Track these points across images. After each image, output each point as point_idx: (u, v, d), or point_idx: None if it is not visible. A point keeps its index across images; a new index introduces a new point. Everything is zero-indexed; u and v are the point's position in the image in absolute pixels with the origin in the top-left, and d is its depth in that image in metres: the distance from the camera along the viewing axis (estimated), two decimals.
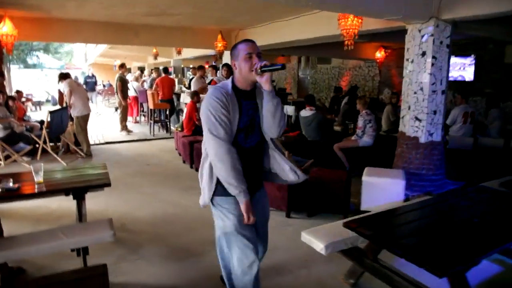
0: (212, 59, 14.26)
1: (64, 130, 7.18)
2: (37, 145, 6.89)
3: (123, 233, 3.85)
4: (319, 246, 2.54)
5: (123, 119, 9.57)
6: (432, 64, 4.14)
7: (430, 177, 4.42)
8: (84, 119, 7.07)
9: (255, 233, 2.22)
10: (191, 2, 6.04)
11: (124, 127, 9.60)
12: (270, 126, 2.07)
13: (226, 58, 9.53)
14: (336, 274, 3.04)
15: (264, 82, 1.95)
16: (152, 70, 12.41)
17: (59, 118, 6.82)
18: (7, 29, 6.80)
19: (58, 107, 7.27)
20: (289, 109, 8.36)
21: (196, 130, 7.14)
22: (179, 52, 12.10)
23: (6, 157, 6.37)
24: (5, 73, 19.33)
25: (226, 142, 1.98)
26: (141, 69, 17.82)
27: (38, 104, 16.61)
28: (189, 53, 12.13)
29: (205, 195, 2.15)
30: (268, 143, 2.23)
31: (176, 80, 12.26)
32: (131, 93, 10.67)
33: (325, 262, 3.22)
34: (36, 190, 3.04)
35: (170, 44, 8.96)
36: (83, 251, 2.85)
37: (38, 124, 8.03)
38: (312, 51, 11.14)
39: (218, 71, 8.10)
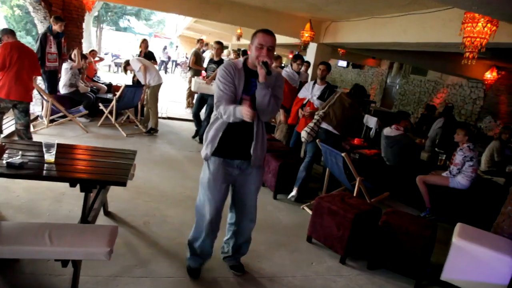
0: (297, 49, 13.36)
1: (132, 106, 6.86)
2: (99, 104, 6.59)
3: (142, 237, 3.23)
4: None
5: (189, 95, 9.15)
6: None
7: None
8: (158, 88, 6.64)
9: (222, 200, 2.60)
10: None
11: (190, 104, 9.17)
12: (258, 109, 2.36)
13: (311, 50, 8.63)
14: None
15: (260, 73, 2.27)
16: (232, 51, 11.88)
17: (132, 94, 6.48)
18: None
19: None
20: (370, 121, 7.22)
21: None
22: None
23: (62, 117, 6.14)
24: (98, 32, 20.28)
25: (226, 102, 2.36)
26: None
27: (121, 65, 17.02)
28: None
29: (207, 150, 2.52)
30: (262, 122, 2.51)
31: None
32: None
33: None
34: (44, 173, 2.51)
35: (252, 25, 8.24)
36: (73, 264, 2.23)
37: (105, 87, 7.88)
38: (409, 58, 9.79)
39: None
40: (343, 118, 4.41)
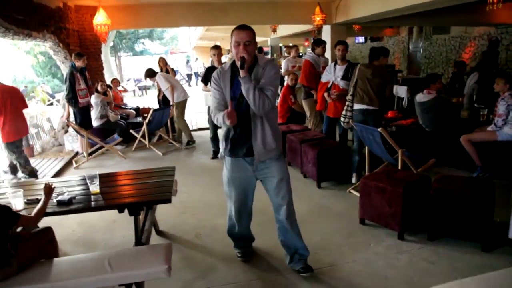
0: (311, 35, 13.17)
1: (162, 126, 7.01)
2: (130, 131, 6.77)
3: (197, 249, 3.27)
4: None
5: None
6: None
7: None
8: (184, 104, 6.77)
9: (241, 195, 2.75)
10: None
11: None
12: (250, 104, 2.39)
13: (326, 32, 8.48)
14: None
15: (240, 70, 2.34)
16: None
17: (161, 116, 6.63)
18: (101, 19, 6.78)
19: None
20: (400, 90, 6.99)
21: (291, 117, 6.34)
22: (274, 30, 11.32)
23: (99, 148, 6.35)
24: (116, 61, 20.91)
25: (215, 111, 2.54)
26: None
27: (144, 88, 17.48)
28: (285, 30, 11.30)
29: (221, 149, 2.66)
30: (263, 117, 2.49)
31: None
32: None
33: None
34: (92, 204, 2.60)
35: (263, 21, 8.24)
36: (137, 286, 2.29)
37: (134, 112, 8.08)
38: (428, 19, 9.44)
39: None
40: (373, 90, 4.30)
